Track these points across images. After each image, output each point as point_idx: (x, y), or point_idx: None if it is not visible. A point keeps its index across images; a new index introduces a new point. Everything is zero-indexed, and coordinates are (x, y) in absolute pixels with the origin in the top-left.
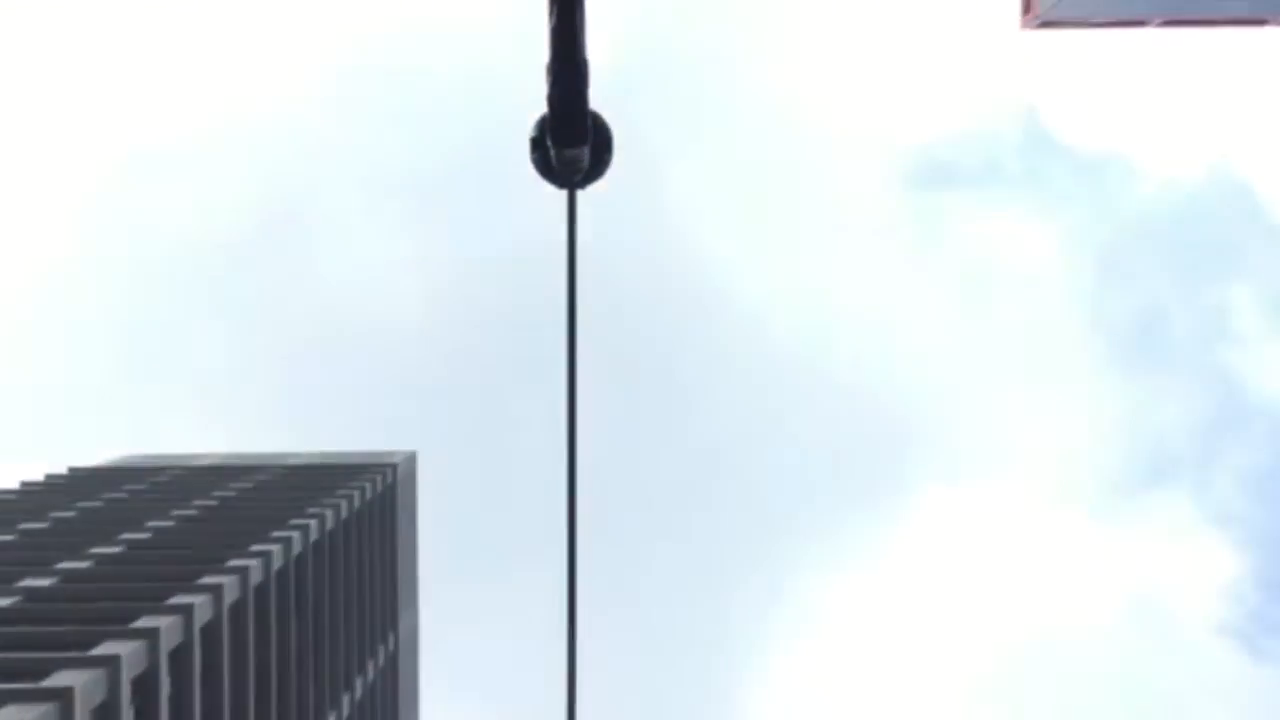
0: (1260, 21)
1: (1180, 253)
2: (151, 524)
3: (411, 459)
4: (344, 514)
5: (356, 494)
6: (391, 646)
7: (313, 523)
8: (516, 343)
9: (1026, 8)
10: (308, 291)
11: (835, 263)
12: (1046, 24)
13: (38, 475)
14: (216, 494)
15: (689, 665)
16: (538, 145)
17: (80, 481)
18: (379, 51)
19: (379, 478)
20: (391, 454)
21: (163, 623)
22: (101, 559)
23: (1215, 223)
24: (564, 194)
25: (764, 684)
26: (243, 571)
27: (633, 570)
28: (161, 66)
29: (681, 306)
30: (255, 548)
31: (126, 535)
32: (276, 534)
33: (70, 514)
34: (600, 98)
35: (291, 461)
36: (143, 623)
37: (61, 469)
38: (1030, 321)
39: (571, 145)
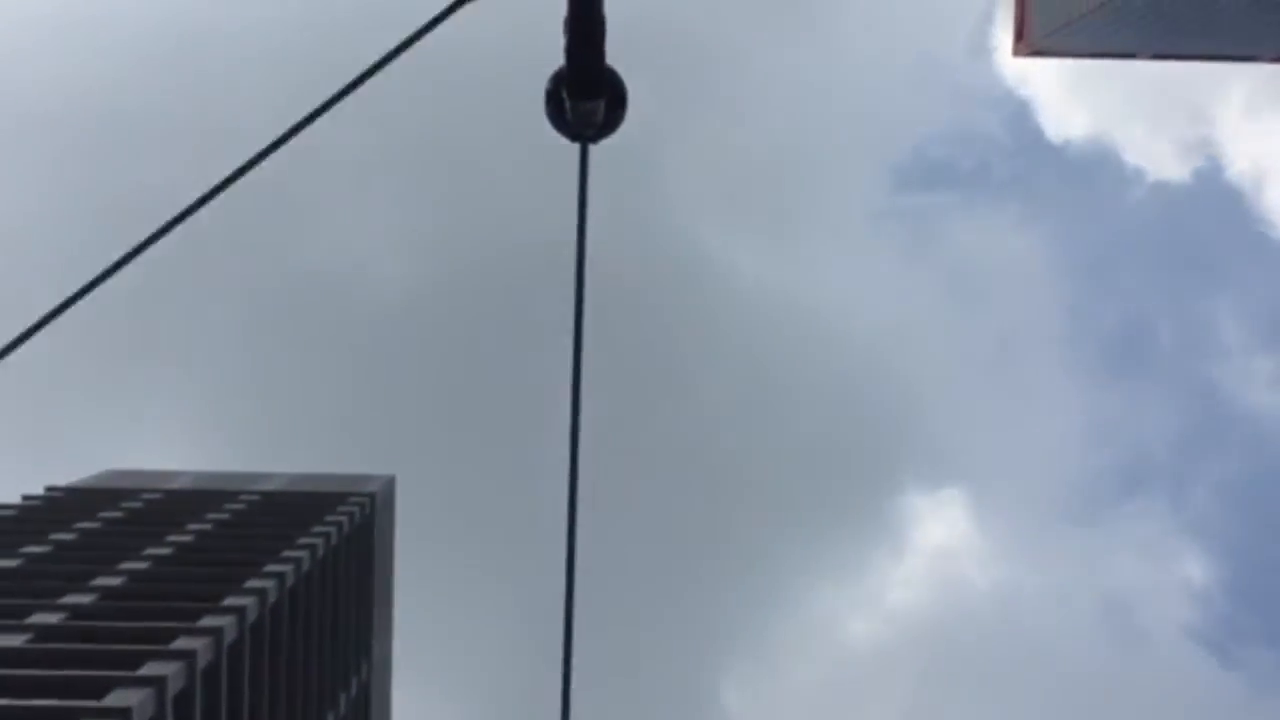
0: (1250, 58)
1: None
2: (127, 566)
3: (390, 484)
4: (321, 553)
5: (334, 530)
6: (365, 675)
7: (289, 568)
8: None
9: (1019, 35)
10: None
11: (823, 264)
12: (1038, 52)
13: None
14: (194, 527)
15: (672, 669)
16: (552, 98)
17: (55, 506)
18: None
19: (357, 510)
20: (369, 479)
21: (169, 669)
22: (98, 596)
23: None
24: (567, 222)
25: (747, 688)
26: (238, 611)
27: (617, 570)
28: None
29: (670, 307)
30: (230, 600)
31: (100, 581)
32: (255, 582)
33: (45, 548)
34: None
35: (270, 485)
36: (147, 669)
37: (30, 480)
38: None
39: (588, 98)
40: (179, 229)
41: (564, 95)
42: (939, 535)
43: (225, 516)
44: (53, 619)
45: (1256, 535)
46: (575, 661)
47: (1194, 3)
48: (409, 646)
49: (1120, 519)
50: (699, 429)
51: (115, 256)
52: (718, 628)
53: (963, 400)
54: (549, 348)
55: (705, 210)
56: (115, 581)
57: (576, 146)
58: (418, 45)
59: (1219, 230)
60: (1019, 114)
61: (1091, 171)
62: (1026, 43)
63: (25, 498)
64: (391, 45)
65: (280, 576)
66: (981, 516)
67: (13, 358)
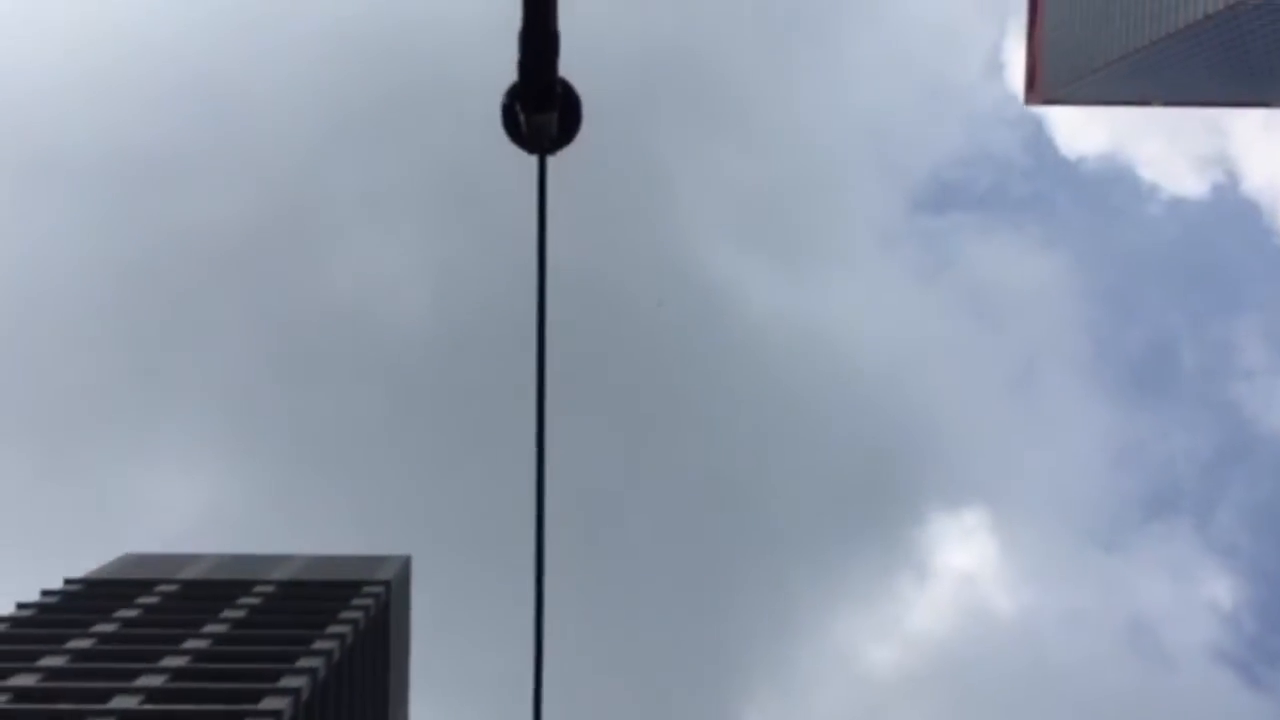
0: (1264, 103)
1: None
2: (143, 683)
3: (405, 566)
4: (336, 656)
5: (350, 630)
6: None
7: (302, 680)
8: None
9: (1030, 84)
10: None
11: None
12: (1050, 101)
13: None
14: (210, 629)
15: (697, 697)
16: (508, 112)
17: (76, 602)
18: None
19: (373, 601)
20: (385, 562)
21: None
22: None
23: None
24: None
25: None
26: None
27: (640, 600)
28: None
29: (687, 333)
30: (266, 704)
31: (142, 682)
32: (281, 682)
33: (63, 659)
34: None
35: (287, 571)
36: None
37: (48, 571)
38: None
39: (540, 111)
40: (183, 299)
41: (517, 109)
42: (962, 560)
43: (241, 614)
44: None
45: None
46: (604, 691)
47: (1205, 55)
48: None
49: (1144, 541)
50: (719, 457)
51: (132, 296)
52: (741, 656)
53: (982, 422)
54: (564, 405)
55: (720, 235)
56: (132, 703)
57: (618, 188)
58: (440, 78)
59: (1237, 246)
60: (1033, 132)
61: (1108, 188)
62: (1038, 92)
63: (45, 593)
64: (402, 82)
65: (295, 691)
66: (1004, 541)
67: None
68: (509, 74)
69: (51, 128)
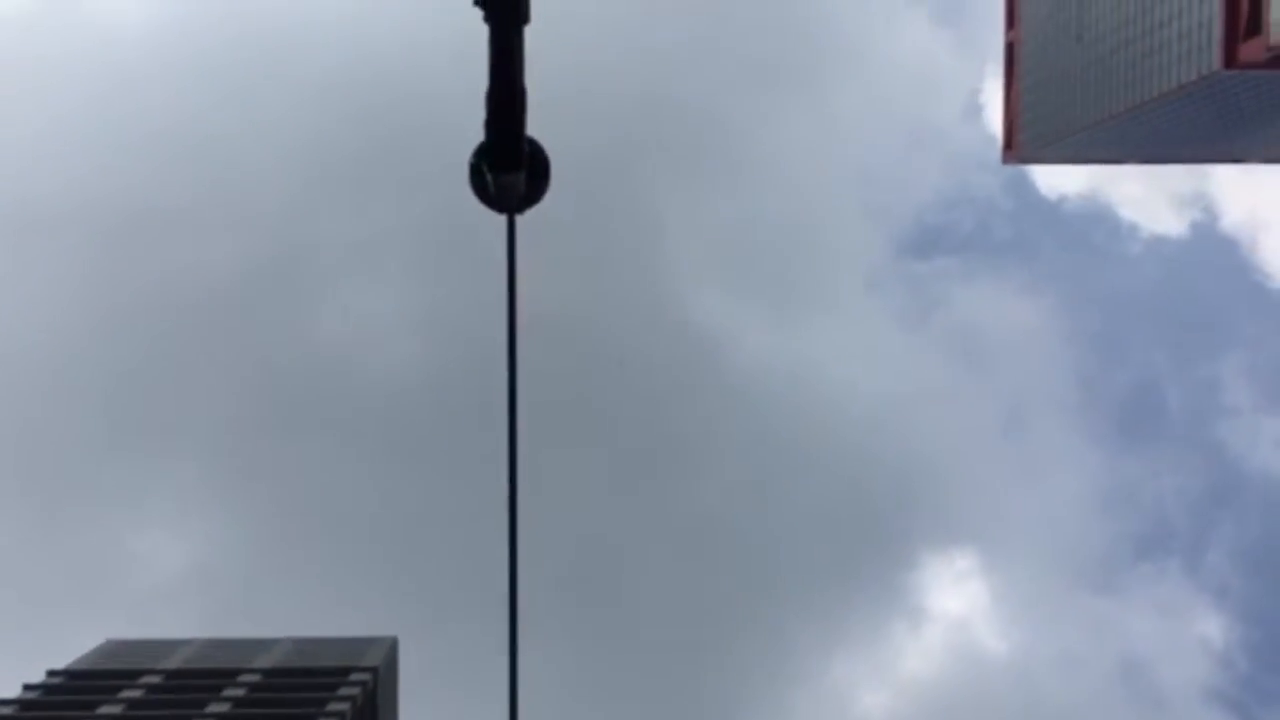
0: (1238, 160)
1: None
2: None
3: (393, 649)
4: None
5: None
6: None
7: None
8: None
9: (1008, 144)
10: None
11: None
12: (1028, 160)
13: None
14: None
15: None
16: (476, 171)
17: (59, 696)
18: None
19: (360, 690)
20: (372, 645)
21: None
22: None
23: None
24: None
25: None
26: None
27: (630, 641)
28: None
29: (676, 372)
30: None
31: None
32: None
33: None
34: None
35: (273, 656)
36: None
37: (31, 660)
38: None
39: (507, 170)
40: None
41: (485, 169)
42: (954, 604)
43: (226, 707)
44: None
45: (1273, 594)
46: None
47: (1180, 120)
48: None
49: (1135, 582)
50: (710, 503)
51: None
52: (735, 702)
53: (971, 465)
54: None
55: (709, 281)
56: None
57: (607, 235)
58: (429, 128)
59: (1218, 284)
60: (1015, 174)
61: (1088, 228)
62: (1015, 152)
63: (27, 687)
64: (390, 136)
65: None
66: (996, 584)
67: None
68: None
69: (35, 181)
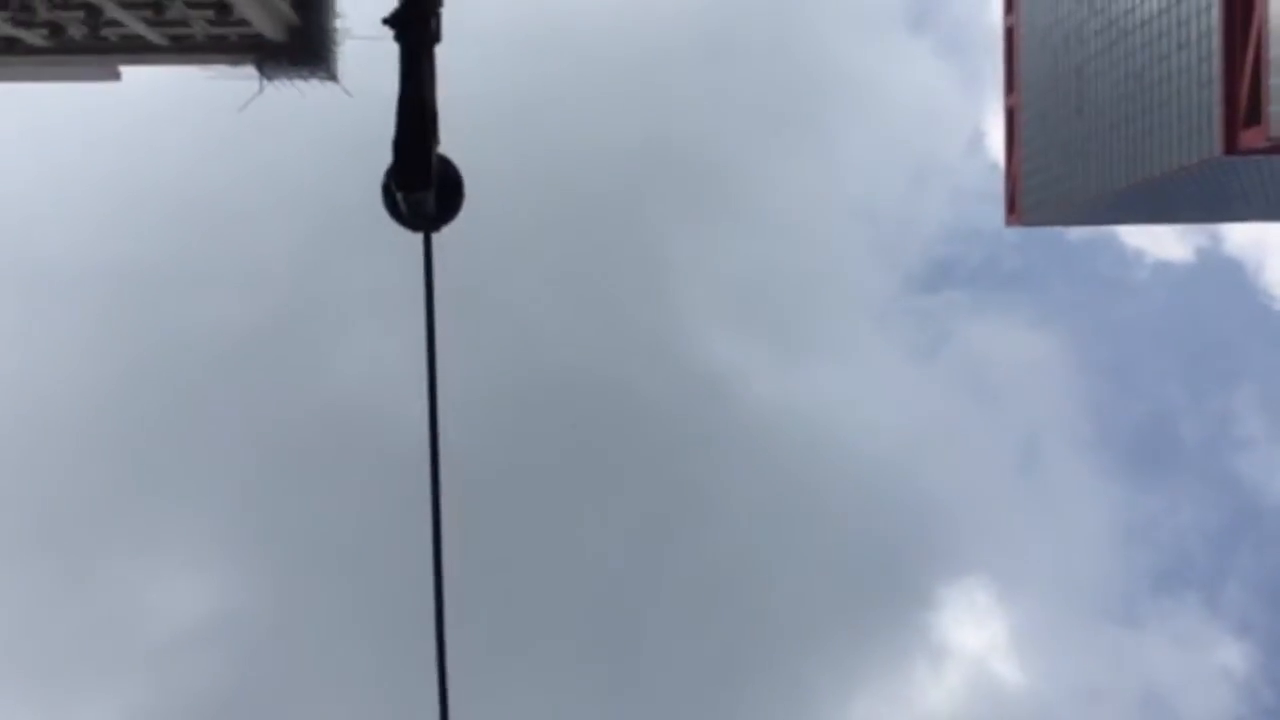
0: (1240, 219)
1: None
2: None
3: None
4: None
5: None
6: None
7: None
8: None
9: (1011, 207)
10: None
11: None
12: (1031, 224)
13: None
14: None
15: None
16: (387, 191)
17: None
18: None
19: None
20: None
21: None
22: None
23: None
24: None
25: None
26: None
27: (645, 689)
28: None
29: (685, 414)
30: None
31: None
32: None
33: None
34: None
35: None
36: None
37: None
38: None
39: (414, 189)
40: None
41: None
42: (974, 640)
43: None
44: None
45: None
46: None
47: (1180, 192)
48: None
49: (1154, 615)
50: (723, 546)
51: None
52: None
53: (986, 500)
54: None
55: (717, 321)
56: None
57: (613, 278)
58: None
59: (1226, 310)
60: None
61: (1094, 257)
62: (1018, 215)
63: None
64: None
65: None
66: (1015, 619)
67: None
68: (504, 166)
69: (44, 241)
